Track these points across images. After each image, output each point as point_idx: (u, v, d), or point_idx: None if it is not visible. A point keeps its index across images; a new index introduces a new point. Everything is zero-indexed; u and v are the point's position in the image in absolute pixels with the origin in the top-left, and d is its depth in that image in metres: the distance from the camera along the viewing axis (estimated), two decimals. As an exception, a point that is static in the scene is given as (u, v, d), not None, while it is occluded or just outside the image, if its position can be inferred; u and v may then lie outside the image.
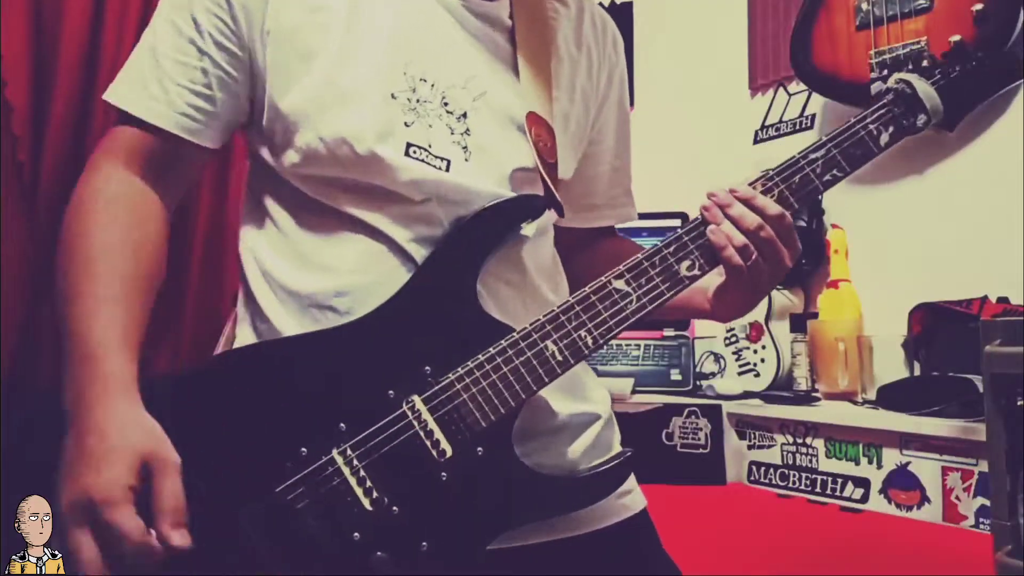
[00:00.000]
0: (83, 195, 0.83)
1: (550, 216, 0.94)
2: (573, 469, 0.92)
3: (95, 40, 1.63)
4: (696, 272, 0.85)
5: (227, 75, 0.86)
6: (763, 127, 2.15)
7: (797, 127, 2.07)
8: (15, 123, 1.51)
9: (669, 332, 2.05)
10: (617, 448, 0.99)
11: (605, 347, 0.85)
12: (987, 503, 1.32)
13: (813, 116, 2.03)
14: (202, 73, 0.85)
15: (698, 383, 1.96)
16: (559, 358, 0.82)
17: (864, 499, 1.52)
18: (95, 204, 0.82)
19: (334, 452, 0.79)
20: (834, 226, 1.88)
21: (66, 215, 0.83)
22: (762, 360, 1.88)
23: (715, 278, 0.90)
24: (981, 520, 1.35)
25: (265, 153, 0.88)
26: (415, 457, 0.79)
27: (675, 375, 1.94)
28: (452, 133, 0.87)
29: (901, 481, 1.47)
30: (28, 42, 1.55)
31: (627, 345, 2.01)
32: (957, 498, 1.39)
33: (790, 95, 2.10)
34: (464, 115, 0.87)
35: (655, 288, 0.84)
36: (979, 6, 1.55)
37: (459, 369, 0.81)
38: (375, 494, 0.79)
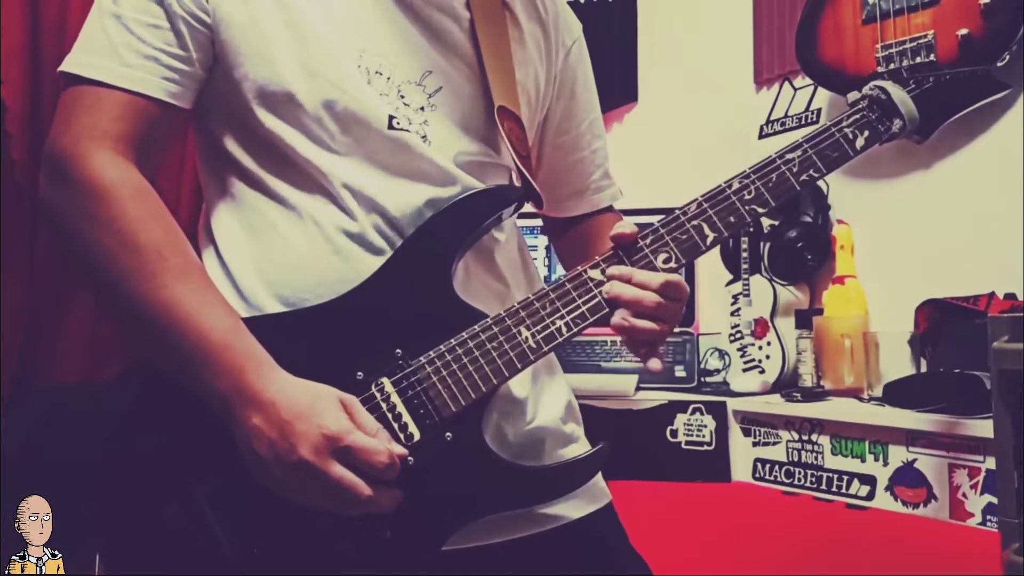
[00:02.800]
0: (102, 186, 0.79)
1: (513, 219, 0.96)
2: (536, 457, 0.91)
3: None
4: (672, 264, 0.86)
5: (199, 31, 0.84)
6: (768, 121, 2.14)
7: (803, 122, 2.05)
8: (10, 121, 1.51)
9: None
10: (583, 442, 0.98)
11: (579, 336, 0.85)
12: (994, 500, 1.31)
13: (819, 111, 2.02)
14: (175, 35, 0.83)
15: (703, 379, 1.96)
16: (532, 344, 0.82)
17: (870, 496, 1.51)
18: (123, 193, 0.80)
19: None
20: (840, 222, 1.87)
21: (84, 211, 0.79)
22: (767, 357, 1.87)
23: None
24: (988, 517, 1.34)
25: (228, 127, 0.87)
26: None
27: (679, 372, 1.93)
28: (411, 124, 0.87)
29: (907, 478, 1.46)
30: (24, 40, 1.54)
31: (631, 341, 2.00)
32: (964, 495, 1.38)
33: (796, 89, 2.08)
34: (421, 108, 0.88)
35: None
36: (987, 0, 1.54)
37: (431, 352, 0.81)
38: None
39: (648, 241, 0.86)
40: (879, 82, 0.97)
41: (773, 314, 1.89)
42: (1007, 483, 1.10)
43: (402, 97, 0.87)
